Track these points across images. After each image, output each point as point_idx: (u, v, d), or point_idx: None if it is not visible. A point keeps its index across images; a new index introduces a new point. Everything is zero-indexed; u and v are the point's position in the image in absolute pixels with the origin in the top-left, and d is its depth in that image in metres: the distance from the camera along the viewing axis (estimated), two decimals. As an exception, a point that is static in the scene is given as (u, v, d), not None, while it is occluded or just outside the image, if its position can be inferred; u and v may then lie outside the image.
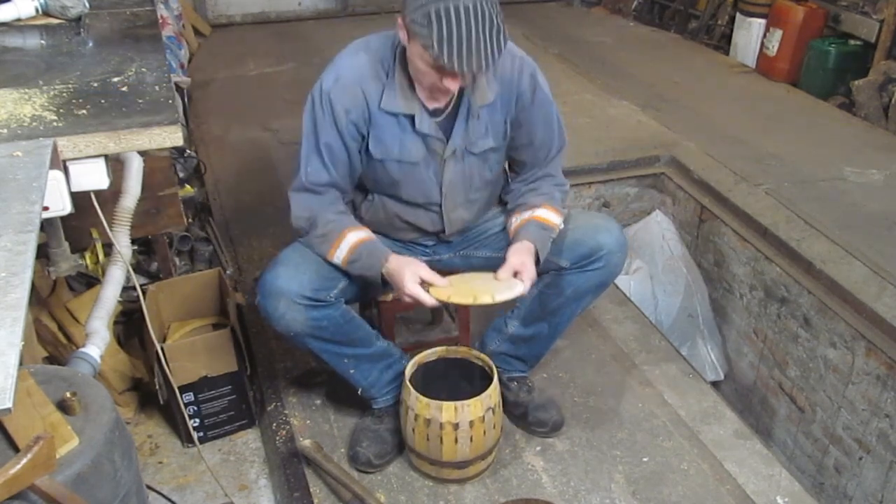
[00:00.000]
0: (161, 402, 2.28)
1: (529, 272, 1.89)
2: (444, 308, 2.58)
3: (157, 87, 1.76)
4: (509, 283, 1.88)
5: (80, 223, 1.90)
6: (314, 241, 1.93)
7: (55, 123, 1.57)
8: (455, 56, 1.63)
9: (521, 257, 1.91)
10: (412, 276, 1.84)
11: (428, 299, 1.84)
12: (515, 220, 2.05)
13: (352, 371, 2.08)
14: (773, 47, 4.72)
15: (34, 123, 1.57)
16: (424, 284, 1.86)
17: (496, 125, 1.95)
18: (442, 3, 1.61)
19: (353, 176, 1.97)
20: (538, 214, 2.01)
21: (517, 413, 2.28)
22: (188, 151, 3.42)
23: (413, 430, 2.00)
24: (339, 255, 1.90)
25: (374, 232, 2.03)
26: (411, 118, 1.86)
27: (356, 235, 1.91)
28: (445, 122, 1.90)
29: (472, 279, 1.95)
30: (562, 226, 2.02)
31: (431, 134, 1.89)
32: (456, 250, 2.17)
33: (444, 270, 2.20)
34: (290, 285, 1.86)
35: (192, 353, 2.20)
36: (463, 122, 1.90)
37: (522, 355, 2.26)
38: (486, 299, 1.83)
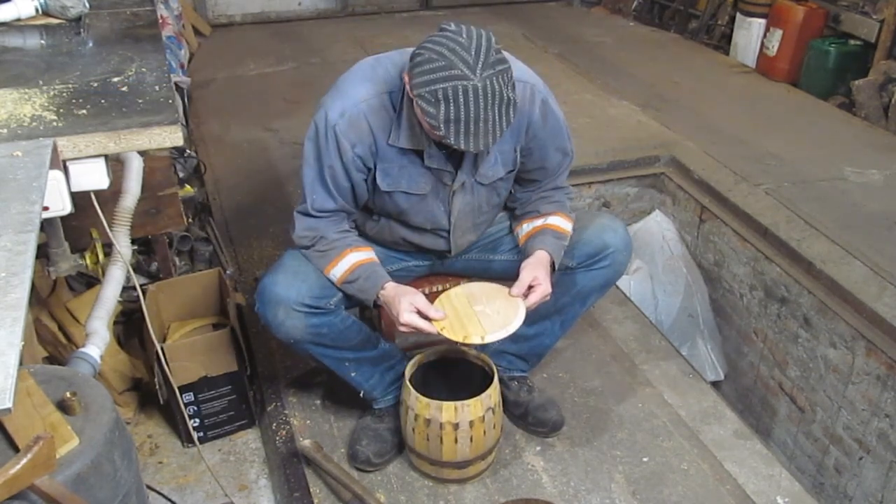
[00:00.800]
0: (161, 402, 2.28)
1: (544, 288, 1.86)
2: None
3: (157, 87, 1.75)
4: (506, 317, 1.83)
5: (80, 223, 1.90)
6: (313, 254, 1.91)
7: (55, 123, 1.57)
8: (462, 138, 1.58)
9: (534, 272, 1.87)
10: (408, 305, 1.80)
11: (425, 326, 1.80)
12: (527, 227, 2.03)
13: (353, 374, 2.08)
14: (773, 47, 4.72)
15: (34, 123, 1.57)
16: (420, 314, 1.81)
17: (505, 154, 1.92)
18: (450, 85, 1.54)
19: (359, 201, 1.94)
20: (551, 222, 2.00)
21: (517, 413, 2.28)
22: (188, 151, 3.42)
23: (413, 430, 2.00)
24: (337, 272, 1.89)
25: (376, 244, 2.03)
26: (420, 153, 1.83)
27: (357, 256, 1.89)
28: (454, 153, 1.86)
29: (473, 300, 1.89)
30: (572, 232, 2.02)
31: (440, 168, 1.86)
32: (458, 257, 2.16)
33: (446, 274, 2.21)
34: (289, 293, 1.85)
35: (192, 353, 2.20)
36: (472, 154, 1.85)
37: (525, 354, 2.26)
38: (475, 340, 1.79)
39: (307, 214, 1.90)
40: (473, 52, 1.55)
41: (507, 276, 2.06)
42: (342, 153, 1.80)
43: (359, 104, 1.78)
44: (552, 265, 1.95)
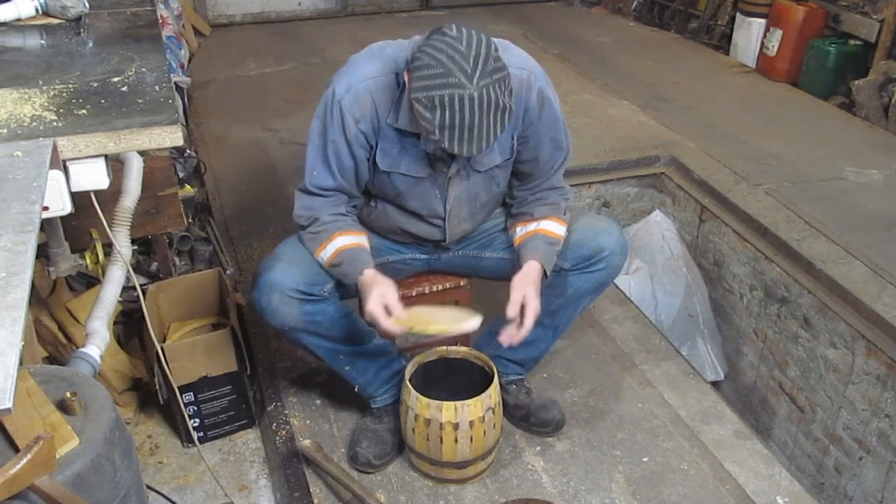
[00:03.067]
0: (161, 402, 2.28)
1: (533, 306, 1.85)
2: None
3: (157, 87, 1.76)
4: (468, 315, 1.83)
5: (80, 223, 1.91)
6: (306, 237, 1.94)
7: (55, 123, 1.57)
8: (455, 143, 1.61)
9: (524, 290, 1.86)
10: (378, 297, 1.78)
11: (385, 321, 1.76)
12: (520, 231, 2.03)
13: (347, 368, 2.08)
14: (773, 47, 4.73)
15: (34, 123, 1.57)
16: (386, 311, 1.79)
17: (502, 142, 1.92)
18: (447, 92, 1.56)
19: (360, 182, 1.95)
20: (544, 227, 1.99)
21: (518, 415, 2.27)
22: (188, 151, 3.42)
23: (413, 430, 2.00)
24: (324, 255, 1.91)
25: (373, 233, 2.03)
26: (417, 136, 1.84)
27: (344, 240, 1.90)
28: None
29: (435, 312, 1.91)
30: (566, 235, 2.02)
31: (436, 153, 1.86)
32: (455, 251, 2.16)
33: (444, 271, 2.21)
34: (284, 279, 1.87)
35: (192, 353, 2.20)
36: None
37: (520, 359, 2.26)
38: (439, 328, 1.79)
39: (306, 192, 1.93)
40: (472, 61, 1.57)
41: (500, 274, 2.07)
42: (346, 128, 1.82)
43: (365, 80, 1.80)
44: (544, 272, 1.95)
